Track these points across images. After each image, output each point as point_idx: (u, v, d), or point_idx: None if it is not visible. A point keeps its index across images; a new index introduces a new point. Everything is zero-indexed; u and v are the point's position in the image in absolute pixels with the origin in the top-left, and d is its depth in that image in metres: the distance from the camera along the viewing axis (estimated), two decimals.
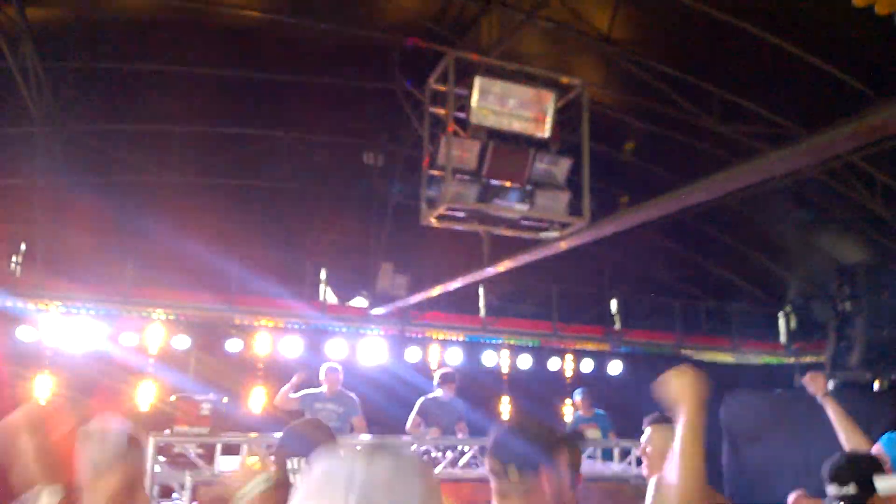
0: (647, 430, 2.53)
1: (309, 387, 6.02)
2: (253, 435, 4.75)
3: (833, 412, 2.91)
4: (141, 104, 7.44)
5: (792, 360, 9.54)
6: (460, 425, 5.93)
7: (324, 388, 5.96)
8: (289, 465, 1.97)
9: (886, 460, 2.76)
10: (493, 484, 1.68)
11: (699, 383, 1.81)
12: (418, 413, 5.93)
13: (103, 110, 7.47)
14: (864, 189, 7.27)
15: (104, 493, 1.36)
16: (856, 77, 5.87)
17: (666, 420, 2.47)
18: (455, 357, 8.36)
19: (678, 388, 1.82)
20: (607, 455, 5.77)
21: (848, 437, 2.85)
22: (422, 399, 6.04)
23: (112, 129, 7.79)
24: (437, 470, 4.87)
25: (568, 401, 8.37)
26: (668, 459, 1.79)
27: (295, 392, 5.97)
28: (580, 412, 7.11)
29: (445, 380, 6.10)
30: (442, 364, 8.05)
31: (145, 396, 7.19)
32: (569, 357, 8.94)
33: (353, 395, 6.01)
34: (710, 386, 1.81)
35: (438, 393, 6.08)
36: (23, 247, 7.72)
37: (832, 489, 2.32)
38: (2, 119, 6.99)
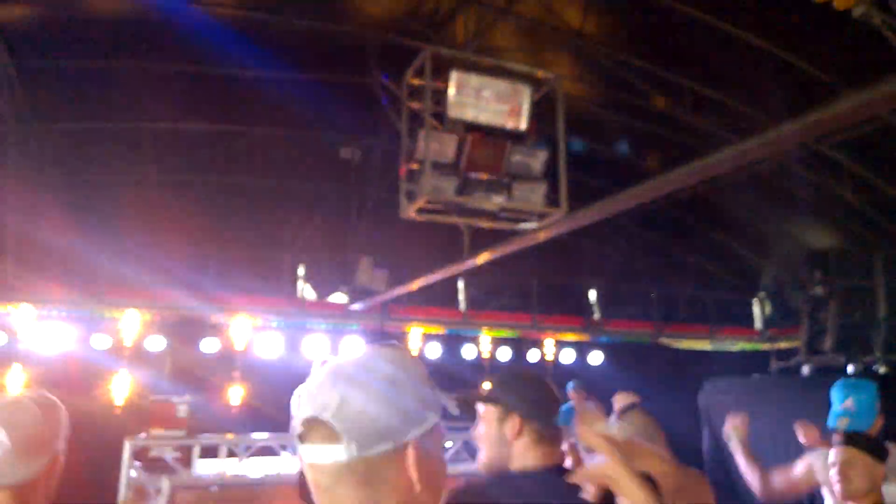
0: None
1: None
2: (230, 436, 4.71)
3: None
4: (113, 102, 7.31)
5: (767, 345, 9.72)
6: None
7: None
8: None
9: None
10: None
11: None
12: None
13: (75, 108, 7.33)
14: (832, 177, 7.43)
15: None
16: (822, 70, 5.99)
17: (636, 407, 2.49)
18: (435, 350, 8.39)
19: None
20: None
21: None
22: None
23: (84, 127, 7.65)
24: None
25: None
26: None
27: None
28: (573, 404, 7.01)
29: None
30: (420, 358, 8.06)
31: (120, 399, 7.09)
32: (549, 348, 9.00)
33: None
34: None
35: None
36: None
37: None
38: None
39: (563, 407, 6.05)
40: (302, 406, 0.97)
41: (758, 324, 9.84)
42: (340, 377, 0.96)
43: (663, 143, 7.58)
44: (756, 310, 9.82)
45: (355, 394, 0.94)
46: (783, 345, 9.32)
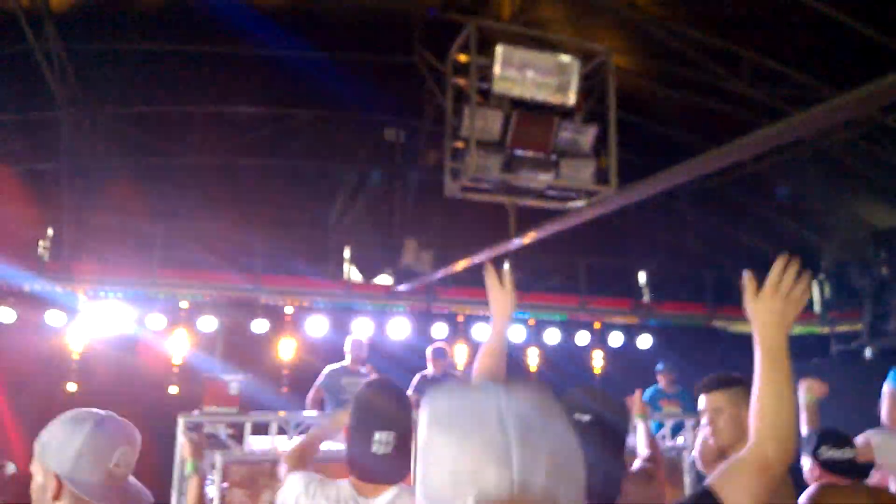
0: (702, 399, 2.17)
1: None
2: (282, 414, 4.76)
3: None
4: (163, 85, 7.44)
5: (827, 329, 9.32)
6: None
7: (347, 362, 5.81)
8: (376, 437, 1.84)
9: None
10: None
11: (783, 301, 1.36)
12: (415, 391, 5.77)
13: (126, 93, 7.48)
14: None
15: None
16: (889, 36, 5.61)
17: (722, 384, 2.19)
18: (482, 333, 8.32)
19: (751, 308, 1.39)
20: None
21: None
22: (417, 377, 5.98)
23: (135, 111, 7.81)
24: None
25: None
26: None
27: (316, 395, 5.74)
28: (661, 386, 6.54)
29: (435, 356, 5.99)
30: (468, 340, 8.02)
31: (174, 377, 7.28)
32: (597, 330, 8.85)
33: (364, 368, 5.86)
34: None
35: (429, 370, 6.00)
36: (50, 231, 7.80)
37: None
38: (27, 103, 7.04)
39: (649, 389, 5.81)
40: None
41: (816, 307, 9.42)
42: None
43: (719, 117, 7.27)
44: (815, 292, 9.40)
45: None
46: (843, 328, 8.92)
